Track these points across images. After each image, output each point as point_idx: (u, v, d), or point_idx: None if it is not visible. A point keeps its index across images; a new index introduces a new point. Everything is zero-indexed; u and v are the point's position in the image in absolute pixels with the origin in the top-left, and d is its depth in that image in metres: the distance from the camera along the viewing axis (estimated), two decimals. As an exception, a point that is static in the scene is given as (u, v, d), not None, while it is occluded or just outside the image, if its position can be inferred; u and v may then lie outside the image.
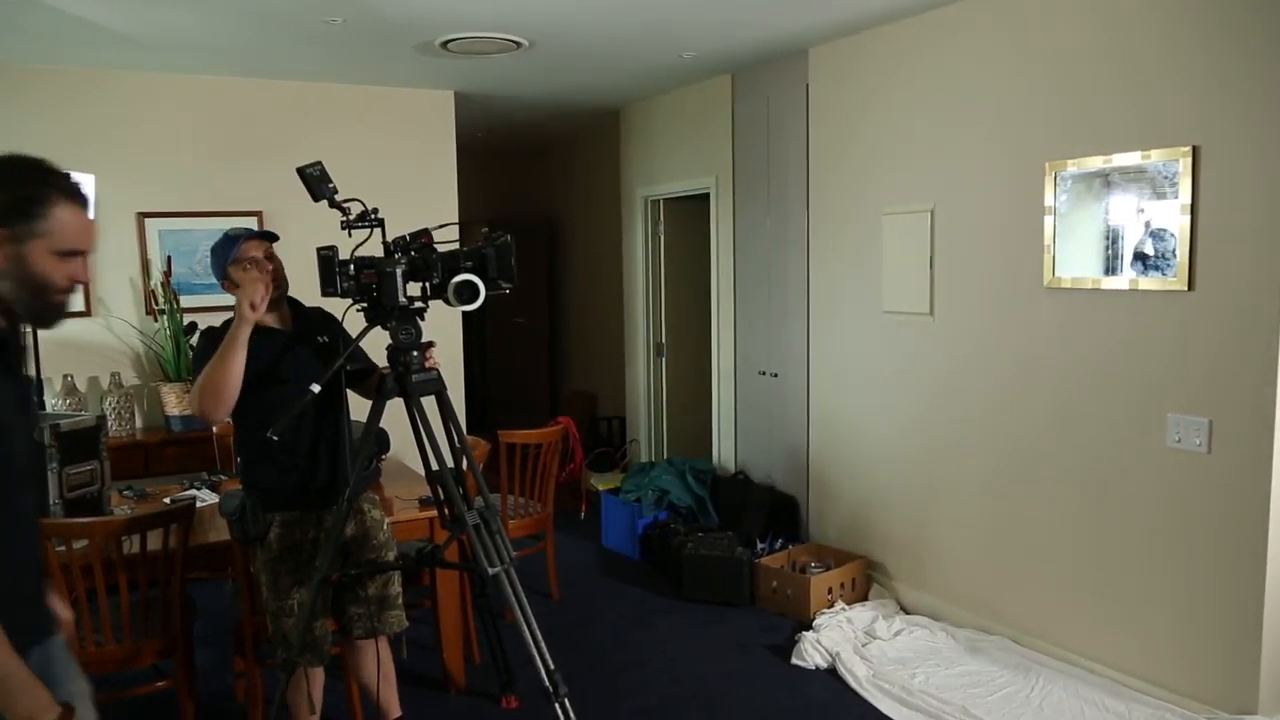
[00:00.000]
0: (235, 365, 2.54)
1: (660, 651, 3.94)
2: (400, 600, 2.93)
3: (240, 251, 2.67)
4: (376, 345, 2.69)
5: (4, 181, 1.52)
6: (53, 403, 4.37)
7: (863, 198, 4.40)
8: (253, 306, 2.54)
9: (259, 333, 2.65)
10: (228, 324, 2.64)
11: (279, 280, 2.71)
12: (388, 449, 3.98)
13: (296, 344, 2.74)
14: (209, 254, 2.80)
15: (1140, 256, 3.24)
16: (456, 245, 2.73)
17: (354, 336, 2.66)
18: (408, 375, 2.66)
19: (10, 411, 1.54)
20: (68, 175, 1.57)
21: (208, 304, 4.67)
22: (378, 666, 2.94)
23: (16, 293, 1.53)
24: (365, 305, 2.66)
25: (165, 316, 4.61)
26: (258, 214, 4.85)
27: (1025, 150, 3.62)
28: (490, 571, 2.60)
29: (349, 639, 2.90)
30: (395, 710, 3.02)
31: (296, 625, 2.69)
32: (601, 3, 3.73)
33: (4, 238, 1.49)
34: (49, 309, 1.58)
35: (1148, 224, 3.21)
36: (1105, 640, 3.47)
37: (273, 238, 2.76)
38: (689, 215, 6.16)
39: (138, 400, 4.64)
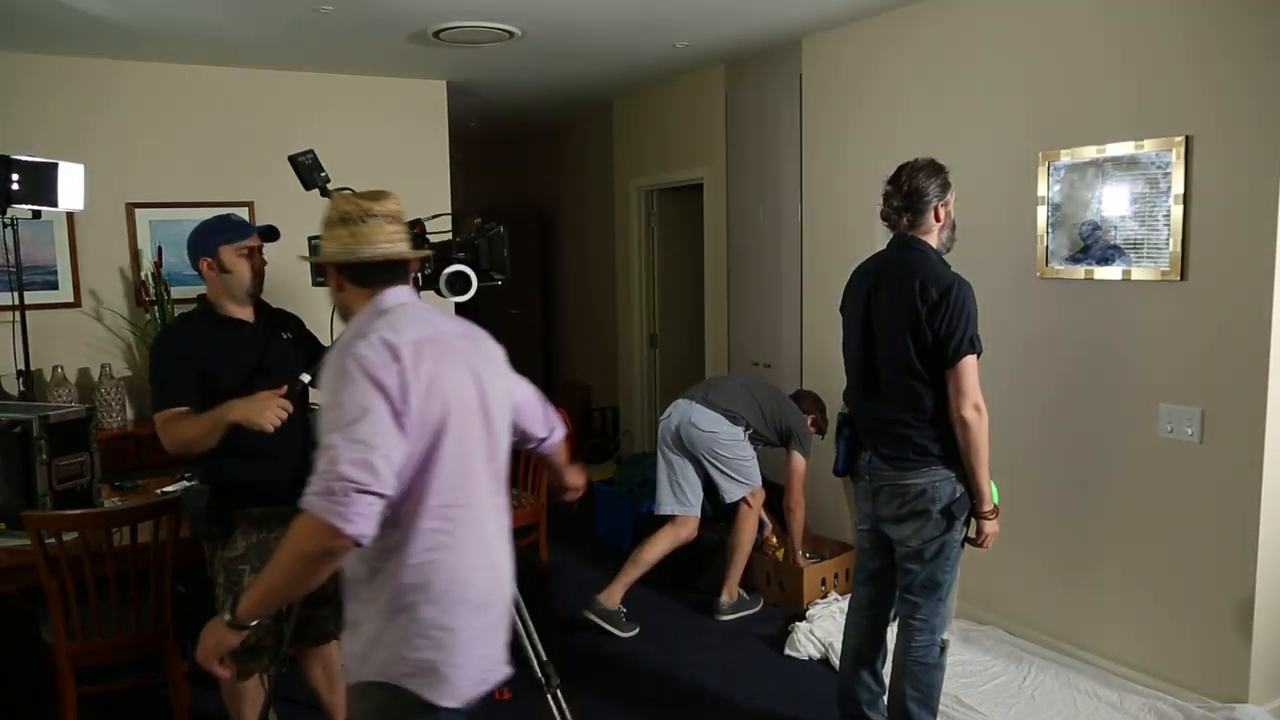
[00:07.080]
0: (212, 438, 2.50)
1: (653, 642, 3.95)
2: None
3: (249, 238, 2.67)
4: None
5: None
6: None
7: (855, 187, 4.39)
8: (272, 426, 2.44)
9: (229, 324, 2.68)
10: (190, 318, 2.70)
11: (261, 280, 2.70)
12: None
13: (262, 338, 2.72)
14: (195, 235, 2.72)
15: (1133, 246, 3.24)
16: (449, 236, 2.71)
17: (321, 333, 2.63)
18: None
19: None
20: None
21: (199, 294, 4.60)
22: (327, 670, 2.90)
23: None
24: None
25: (156, 307, 4.59)
26: (249, 204, 4.82)
27: (1019, 140, 3.62)
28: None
29: (302, 642, 2.80)
30: (342, 714, 2.96)
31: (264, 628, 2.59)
32: (594, -9, 3.72)
33: None
34: None
35: (1140, 214, 3.21)
36: (1097, 630, 3.49)
37: (275, 236, 2.75)
38: (683, 206, 6.15)
39: (129, 391, 4.61)
